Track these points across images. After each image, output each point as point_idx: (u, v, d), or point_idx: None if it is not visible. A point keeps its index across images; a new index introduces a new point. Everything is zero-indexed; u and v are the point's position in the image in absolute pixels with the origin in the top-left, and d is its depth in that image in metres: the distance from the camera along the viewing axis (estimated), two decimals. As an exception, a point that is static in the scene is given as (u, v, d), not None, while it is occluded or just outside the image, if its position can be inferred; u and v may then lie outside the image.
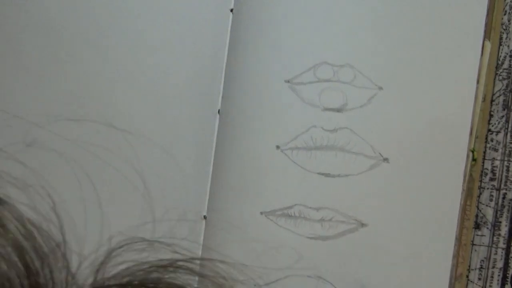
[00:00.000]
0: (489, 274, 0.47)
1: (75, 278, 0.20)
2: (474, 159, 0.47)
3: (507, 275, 0.46)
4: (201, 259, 0.22)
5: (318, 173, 0.47)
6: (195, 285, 0.21)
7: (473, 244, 0.47)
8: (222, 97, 0.50)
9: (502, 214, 0.47)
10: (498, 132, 0.47)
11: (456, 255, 0.47)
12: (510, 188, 0.47)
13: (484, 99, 0.47)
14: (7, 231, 0.19)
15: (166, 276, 0.21)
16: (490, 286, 0.47)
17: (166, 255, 0.22)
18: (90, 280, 0.20)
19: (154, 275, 0.21)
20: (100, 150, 0.47)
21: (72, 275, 0.20)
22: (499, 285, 0.46)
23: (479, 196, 0.47)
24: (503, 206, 0.47)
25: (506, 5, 0.48)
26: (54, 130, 0.46)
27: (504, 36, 0.47)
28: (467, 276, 0.47)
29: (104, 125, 0.48)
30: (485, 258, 0.47)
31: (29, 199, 0.22)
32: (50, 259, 0.20)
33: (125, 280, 0.20)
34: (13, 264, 0.19)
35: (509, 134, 0.47)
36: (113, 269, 0.21)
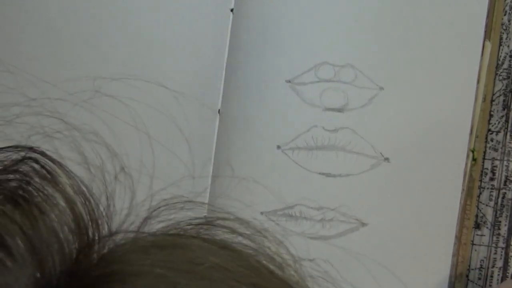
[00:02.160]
0: (489, 274, 0.47)
1: (116, 235, 0.20)
2: (474, 159, 0.47)
3: (507, 274, 0.47)
4: (236, 218, 0.22)
5: (319, 173, 0.47)
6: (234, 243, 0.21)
7: (473, 244, 0.47)
8: (222, 97, 0.50)
9: (501, 214, 0.47)
10: (498, 132, 0.47)
11: (456, 255, 0.47)
12: (510, 188, 0.47)
13: (484, 99, 0.48)
14: (60, 185, 0.19)
15: (204, 233, 0.21)
16: (490, 285, 0.47)
17: (202, 214, 0.22)
18: (131, 236, 0.20)
19: (192, 231, 0.21)
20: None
21: (114, 232, 0.20)
22: (499, 284, 0.47)
23: (479, 196, 0.47)
24: (502, 205, 0.47)
25: (506, 5, 0.48)
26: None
27: (504, 36, 0.48)
28: (467, 276, 0.47)
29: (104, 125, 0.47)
30: (485, 257, 0.47)
31: (81, 156, 0.22)
32: (97, 215, 0.20)
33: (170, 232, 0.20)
34: (64, 218, 0.19)
35: (509, 134, 0.47)
36: (153, 227, 0.21)
